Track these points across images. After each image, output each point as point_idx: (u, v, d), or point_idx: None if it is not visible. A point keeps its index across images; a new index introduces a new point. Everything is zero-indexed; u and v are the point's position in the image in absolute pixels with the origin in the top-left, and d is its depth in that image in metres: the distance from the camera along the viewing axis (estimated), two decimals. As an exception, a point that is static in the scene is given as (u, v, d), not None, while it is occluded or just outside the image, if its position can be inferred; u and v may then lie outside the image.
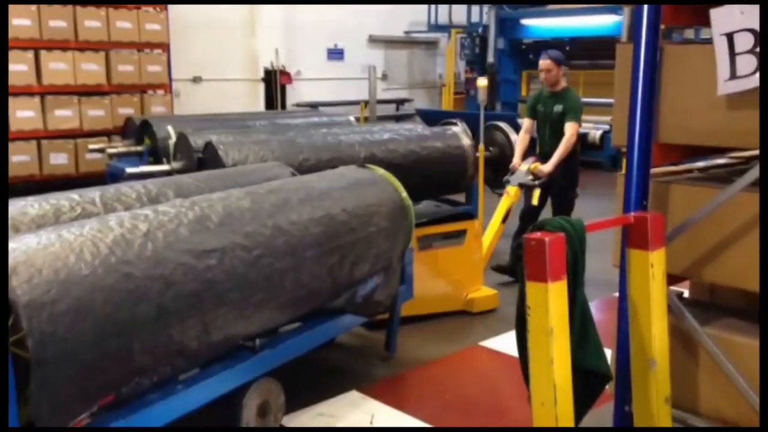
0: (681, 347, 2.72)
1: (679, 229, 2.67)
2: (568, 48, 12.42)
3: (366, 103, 12.51)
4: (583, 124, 11.34)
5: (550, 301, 2.23)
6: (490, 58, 12.85)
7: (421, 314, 4.85)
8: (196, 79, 12.07)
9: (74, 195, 3.26)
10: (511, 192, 5.59)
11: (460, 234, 5.16)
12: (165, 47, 9.70)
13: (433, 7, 14.06)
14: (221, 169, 4.46)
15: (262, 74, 12.65)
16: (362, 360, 4.44)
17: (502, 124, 6.62)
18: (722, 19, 2.47)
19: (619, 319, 2.70)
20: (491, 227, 5.57)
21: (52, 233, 2.52)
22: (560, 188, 5.59)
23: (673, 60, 2.67)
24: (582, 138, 11.38)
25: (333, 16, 13.49)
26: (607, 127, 11.39)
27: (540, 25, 12.59)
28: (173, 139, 6.34)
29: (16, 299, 2.18)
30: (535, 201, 5.44)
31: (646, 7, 2.59)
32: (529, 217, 5.61)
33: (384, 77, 14.33)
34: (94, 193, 3.33)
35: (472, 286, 5.21)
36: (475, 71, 13.43)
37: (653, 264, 2.52)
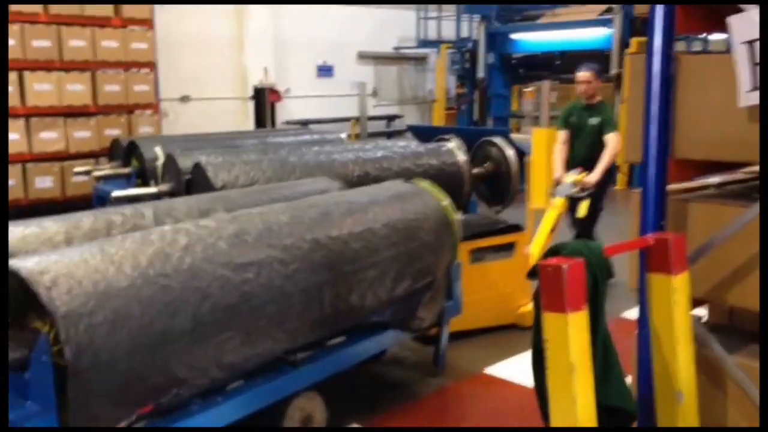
0: (706, 378, 2.54)
1: (701, 250, 2.50)
2: (558, 62, 12.37)
3: (357, 119, 12.37)
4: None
5: (570, 333, 2.05)
6: (481, 73, 12.77)
7: (472, 329, 4.77)
8: (185, 98, 11.90)
9: (127, 210, 3.44)
10: (558, 204, 5.45)
11: (510, 247, 5.12)
12: (152, 66, 9.52)
13: (422, 22, 13.98)
14: (270, 184, 4.56)
15: (251, 92, 12.50)
16: (413, 374, 4.38)
17: (497, 140, 6.45)
18: (742, 26, 2.32)
19: (640, 349, 2.53)
20: (538, 239, 5.40)
21: (95, 246, 2.62)
22: (592, 203, 5.50)
23: (689, 70, 2.52)
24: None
25: (322, 33, 13.39)
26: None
27: (530, 39, 12.53)
28: (161, 160, 6.17)
29: (55, 310, 2.25)
30: (583, 213, 5.36)
31: (659, 13, 2.43)
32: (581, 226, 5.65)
33: (374, 93, 14.22)
34: (147, 208, 3.49)
35: (522, 299, 5.14)
36: (466, 86, 13.35)
37: (676, 289, 2.36)
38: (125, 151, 7.01)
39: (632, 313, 4.51)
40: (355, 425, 3.65)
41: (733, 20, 2.34)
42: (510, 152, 6.32)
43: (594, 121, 5.61)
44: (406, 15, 14.15)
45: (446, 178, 5.68)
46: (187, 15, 11.70)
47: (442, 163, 5.90)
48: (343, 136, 7.79)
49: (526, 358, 3.77)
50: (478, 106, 12.82)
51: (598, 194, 5.56)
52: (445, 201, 3.97)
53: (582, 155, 5.69)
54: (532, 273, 2.21)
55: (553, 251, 2.18)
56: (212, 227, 2.94)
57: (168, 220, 3.36)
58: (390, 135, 13.90)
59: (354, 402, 3.87)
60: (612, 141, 5.51)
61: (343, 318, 3.32)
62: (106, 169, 7.00)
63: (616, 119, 5.72)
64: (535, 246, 5.37)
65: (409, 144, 6.21)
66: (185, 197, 3.93)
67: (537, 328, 2.20)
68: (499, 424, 3.69)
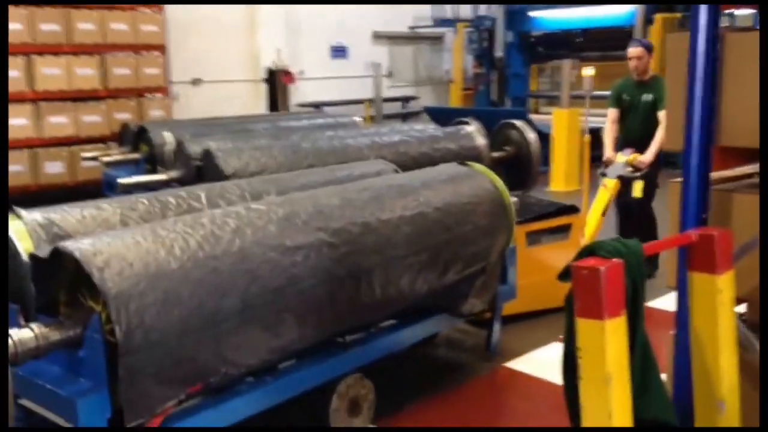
0: (748, 384, 2.34)
1: (748, 246, 2.30)
2: (579, 40, 12.03)
3: (371, 101, 12.14)
4: (598, 119, 11.04)
5: (607, 341, 1.86)
6: (499, 53, 12.47)
7: (527, 311, 4.70)
8: (196, 81, 11.72)
9: (182, 192, 3.53)
10: (610, 185, 5.36)
11: (566, 228, 5.04)
12: (162, 49, 9.35)
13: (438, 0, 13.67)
14: (324, 167, 4.54)
15: (263, 74, 12.30)
16: (465, 357, 4.32)
17: (518, 122, 6.22)
18: (798, 0, 2.09)
19: (677, 354, 2.34)
20: (590, 221, 5.35)
21: (147, 229, 2.67)
22: (648, 182, 5.36)
23: (736, 50, 2.30)
24: (597, 132, 11.02)
25: (335, 13, 13.12)
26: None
27: (549, 16, 12.18)
28: (171, 145, 6.01)
29: (106, 291, 2.30)
30: (638, 193, 5.24)
31: (704, -14, 2.20)
32: (629, 210, 5.54)
33: (389, 74, 13.95)
34: (201, 190, 3.56)
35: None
36: (484, 66, 13.05)
37: (722, 289, 2.16)
38: (135, 136, 6.88)
39: (661, 303, 4.33)
40: (400, 412, 3.54)
41: (787, -7, 2.11)
42: (531, 135, 6.10)
43: (647, 97, 5.44)
44: (421, -7, 13.84)
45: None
46: (197, -5, 11.50)
47: (460, 147, 5.70)
48: (357, 119, 7.58)
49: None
50: (497, 86, 12.53)
51: (653, 172, 5.40)
52: (500, 184, 3.91)
53: (636, 133, 5.50)
54: (564, 274, 2.02)
55: (588, 251, 1.98)
56: (262, 210, 2.95)
57: (221, 202, 3.42)
58: (405, 117, 13.66)
59: (403, 385, 3.81)
60: (666, 118, 5.32)
61: (393, 302, 3.29)
62: (115, 154, 6.86)
63: None
64: (588, 228, 5.33)
65: (426, 127, 6.02)
66: (238, 180, 3.99)
67: (569, 335, 2.01)
68: (542, 409, 3.58)
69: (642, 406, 1.97)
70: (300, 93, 12.89)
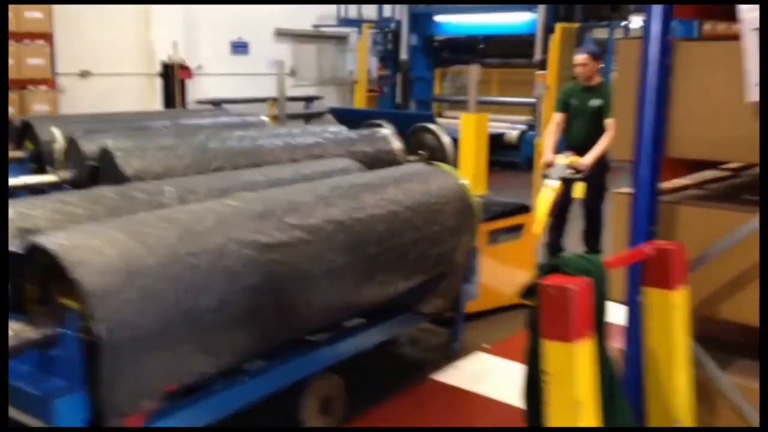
0: (701, 403, 2.30)
1: (698, 261, 2.25)
2: (482, 46, 12.21)
3: (275, 100, 11.78)
4: (500, 124, 11.23)
5: (577, 365, 1.74)
6: (404, 55, 12.43)
7: (488, 309, 4.78)
8: (84, 74, 10.96)
9: (148, 186, 3.50)
10: (554, 186, 5.44)
11: (519, 228, 5.17)
12: (48, 37, 8.66)
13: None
14: (290, 164, 4.52)
15: (158, 68, 11.68)
16: (429, 355, 4.33)
17: (433, 126, 6.15)
18: (753, 11, 2.05)
19: (628, 371, 2.26)
20: (538, 221, 5.38)
21: (122, 224, 2.61)
22: (596, 184, 5.50)
23: (689, 59, 2.25)
24: (498, 138, 11.21)
25: (236, 8, 12.67)
26: (524, 127, 11.22)
27: (453, 21, 12.28)
28: (60, 143, 5.50)
29: (85, 287, 2.23)
30: (579, 194, 5.40)
31: (659, -6, 2.14)
32: (565, 212, 5.71)
33: (292, 73, 13.64)
34: (168, 185, 3.52)
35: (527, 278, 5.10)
36: (388, 68, 12.99)
37: (677, 305, 2.10)
38: (18, 132, 6.25)
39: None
40: (370, 410, 3.54)
41: (743, 6, 2.08)
42: (446, 139, 6.06)
43: (595, 102, 5.52)
44: (326, -8, 13.61)
45: (381, 167, 5.34)
46: (87, -18, 10.75)
47: (377, 150, 5.54)
48: (265, 118, 7.27)
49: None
50: (401, 89, 12.49)
51: (601, 176, 5.55)
52: (466, 184, 3.95)
53: (581, 138, 5.57)
54: (527, 292, 1.88)
55: (550, 267, 1.86)
56: (239, 206, 2.92)
57: (190, 197, 3.37)
58: (309, 117, 13.40)
59: (372, 383, 3.80)
60: (613, 125, 5.44)
61: (365, 300, 3.31)
62: (-5, 151, 6.19)
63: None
64: (536, 227, 5.40)
65: (339, 129, 5.81)
66: (205, 176, 3.99)
67: (532, 358, 1.88)
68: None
69: (611, 429, 1.87)
70: (198, 89, 12.35)
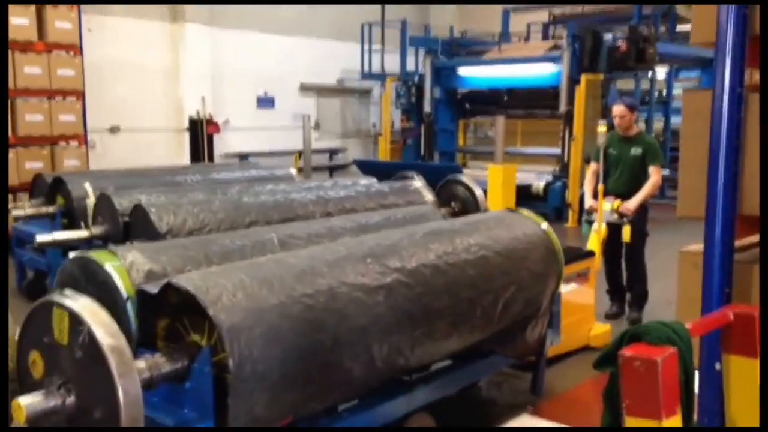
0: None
1: (781, 324, 2.09)
2: (506, 98, 12.21)
3: (300, 153, 11.83)
4: (526, 175, 11.15)
5: (666, 445, 1.58)
6: (427, 108, 12.48)
7: (560, 353, 4.82)
8: (114, 129, 11.11)
9: (247, 232, 3.85)
10: (602, 230, 5.62)
11: (586, 272, 5.26)
12: (79, 95, 8.77)
13: (366, 54, 13.66)
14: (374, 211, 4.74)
15: (186, 123, 11.81)
16: (511, 398, 4.34)
17: (464, 178, 6.07)
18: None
19: (709, 444, 2.09)
20: (594, 264, 5.53)
21: (246, 266, 2.84)
22: (637, 228, 5.70)
23: (757, 110, 2.14)
24: (525, 188, 11.11)
25: (262, 63, 12.87)
26: (549, 177, 11.11)
27: (476, 74, 12.34)
28: (91, 198, 5.48)
29: (220, 324, 2.38)
30: (627, 238, 5.61)
31: (728, 40, 2.04)
32: (618, 256, 5.91)
33: (316, 126, 13.73)
34: (269, 232, 3.74)
35: (592, 321, 5.38)
36: (411, 120, 13.03)
37: (761, 373, 1.93)
38: (49, 188, 6.27)
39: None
40: None
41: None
42: (479, 192, 5.97)
43: (636, 151, 5.74)
44: (350, 47, 13.79)
45: (416, 221, 5.25)
46: (118, 40, 10.98)
47: (408, 203, 5.45)
48: (293, 171, 7.25)
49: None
50: (425, 140, 12.50)
51: (642, 221, 5.78)
52: (550, 230, 4.04)
53: (623, 185, 5.75)
54: (602, 361, 1.74)
55: (631, 335, 1.72)
56: (345, 251, 3.10)
57: (290, 242, 3.58)
58: (333, 169, 13.42)
59: (460, 424, 3.90)
60: (656, 174, 5.71)
61: (459, 340, 3.38)
62: (26, 207, 6.20)
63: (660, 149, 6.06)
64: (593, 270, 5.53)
65: (371, 182, 5.75)
66: (298, 223, 4.29)
67: (611, 434, 1.72)
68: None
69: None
70: (224, 143, 12.46)
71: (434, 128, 12.53)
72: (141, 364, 2.36)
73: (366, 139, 14.88)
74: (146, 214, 4.45)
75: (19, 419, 2.13)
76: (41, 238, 4.81)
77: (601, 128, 5.85)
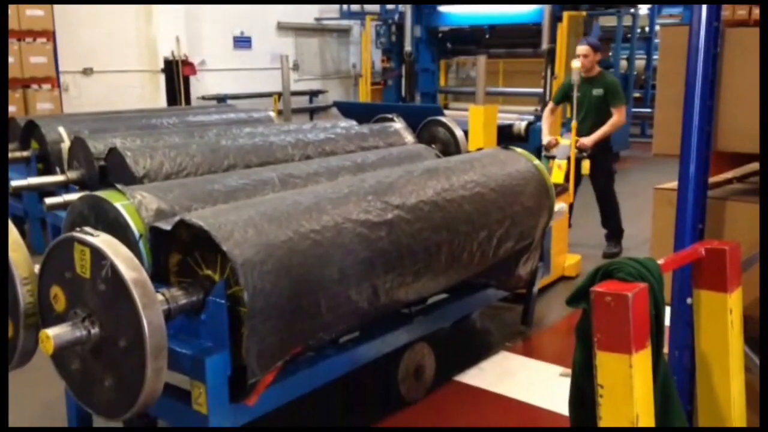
0: (749, 407, 2.19)
1: (751, 260, 2.13)
2: (487, 36, 12.03)
3: (279, 95, 11.66)
4: (507, 115, 11.08)
5: (635, 377, 1.63)
6: (408, 47, 12.27)
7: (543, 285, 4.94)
8: (87, 71, 10.84)
9: (247, 172, 3.93)
10: (563, 164, 5.80)
11: (562, 206, 5.44)
12: (50, 35, 8.51)
13: (345, -8, 13.34)
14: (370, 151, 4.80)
15: (161, 65, 11.55)
16: (505, 329, 4.51)
17: (445, 119, 6.02)
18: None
19: (677, 377, 2.15)
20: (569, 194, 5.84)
21: (255, 204, 2.94)
22: (604, 168, 5.98)
23: (737, 47, 2.12)
24: (507, 129, 11.05)
25: (238, 2, 12.52)
26: (531, 117, 11.06)
27: (457, 12, 12.11)
28: (66, 142, 5.39)
29: (235, 258, 2.49)
30: (586, 171, 5.81)
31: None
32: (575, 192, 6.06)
33: (295, 67, 13.49)
34: (269, 172, 3.83)
35: (566, 252, 5.64)
36: (392, 61, 12.83)
37: (732, 309, 1.98)
38: (22, 132, 6.15)
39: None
40: (458, 379, 3.80)
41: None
42: (459, 133, 5.92)
43: (598, 92, 5.85)
44: (328, -16, 13.45)
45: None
46: (87, -22, 10.60)
47: (389, 145, 5.41)
48: (272, 114, 7.15)
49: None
50: (405, 81, 12.33)
51: (607, 159, 6.06)
52: (542, 167, 4.17)
53: (586, 126, 5.89)
54: (575, 298, 1.77)
55: (604, 273, 1.74)
56: (349, 189, 3.19)
57: (291, 180, 3.66)
58: (314, 111, 13.27)
59: (456, 354, 4.04)
60: (619, 114, 5.86)
61: (456, 275, 3.52)
62: None
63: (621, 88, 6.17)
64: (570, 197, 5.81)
65: (351, 125, 5.68)
66: (298, 162, 4.36)
67: (583, 369, 1.77)
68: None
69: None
70: (201, 85, 12.22)
71: (415, 68, 12.34)
72: (160, 297, 2.43)
73: (346, 81, 14.67)
74: (122, 158, 4.38)
75: (47, 350, 2.20)
76: (17, 183, 4.74)
77: (575, 64, 5.81)
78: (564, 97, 6.24)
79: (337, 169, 3.98)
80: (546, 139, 6.14)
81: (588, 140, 5.80)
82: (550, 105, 6.43)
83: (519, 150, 4.29)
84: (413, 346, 3.52)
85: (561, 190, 5.45)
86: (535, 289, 4.35)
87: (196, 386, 2.51)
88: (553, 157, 5.94)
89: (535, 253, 4.15)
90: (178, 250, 2.80)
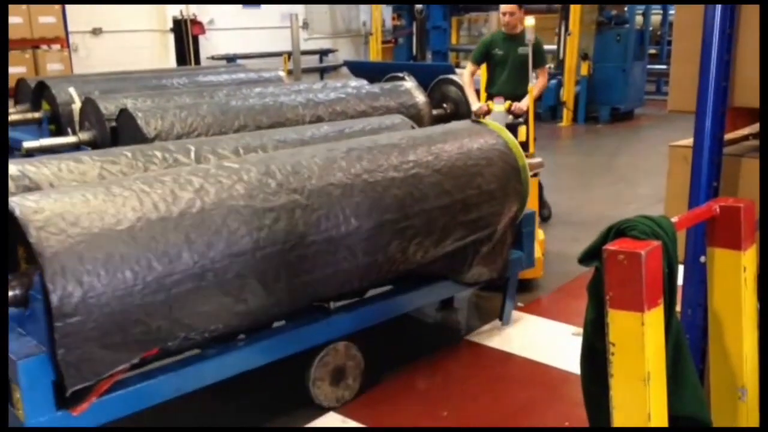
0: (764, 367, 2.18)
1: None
2: (500, -8, 11.79)
3: (289, 55, 11.55)
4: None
5: (647, 335, 1.62)
6: (418, 4, 12.08)
7: None
8: (96, 31, 10.76)
9: (171, 145, 3.43)
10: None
11: None
12: (58, -6, 8.46)
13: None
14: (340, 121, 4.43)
15: (170, 24, 11.44)
16: (476, 323, 4.09)
17: (457, 78, 5.96)
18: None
19: (689, 335, 2.14)
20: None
21: (102, 186, 2.56)
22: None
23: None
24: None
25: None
26: (544, 75, 10.90)
27: (470, -33, 11.89)
28: (77, 103, 5.38)
29: (42, 251, 2.21)
30: (522, 137, 5.13)
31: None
32: None
33: (305, 26, 13.33)
34: (191, 144, 3.46)
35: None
36: (403, 18, 12.66)
37: (746, 267, 1.96)
38: (34, 93, 6.14)
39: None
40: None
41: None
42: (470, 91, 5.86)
43: (523, 50, 5.38)
44: (337, -60, 13.19)
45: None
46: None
47: (400, 104, 5.39)
48: (282, 74, 7.09)
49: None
50: (416, 39, 12.18)
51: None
52: (515, 145, 3.70)
53: (510, 86, 5.54)
54: (586, 257, 1.76)
55: (617, 231, 1.73)
56: (233, 168, 2.81)
57: (211, 157, 3.31)
58: (324, 71, 13.15)
59: (393, 350, 3.69)
60: (544, 75, 5.63)
61: (380, 269, 3.10)
62: (12, 113, 6.09)
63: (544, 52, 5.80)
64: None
65: (361, 84, 5.64)
66: (241, 134, 3.94)
67: (594, 327, 1.77)
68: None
69: (677, 402, 1.77)
70: (210, 45, 12.11)
71: (426, 26, 12.19)
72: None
73: (357, 39, 14.49)
74: (133, 119, 4.39)
75: None
76: (28, 144, 4.75)
77: (529, 22, 5.16)
78: (484, 56, 5.73)
79: (281, 144, 3.61)
80: (476, 105, 5.49)
81: (524, 104, 5.28)
82: (470, 67, 5.78)
83: (493, 125, 3.83)
84: (333, 346, 3.10)
85: None
86: (512, 282, 3.87)
87: (14, 389, 2.29)
88: None
89: (503, 243, 3.61)
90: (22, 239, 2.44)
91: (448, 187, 3.30)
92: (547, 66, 5.61)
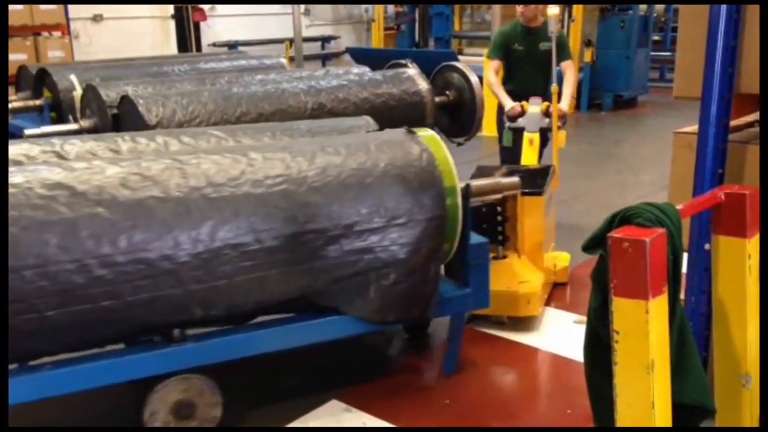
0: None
1: (772, 206, 2.10)
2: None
3: (291, 41, 11.50)
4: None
5: (651, 323, 1.62)
6: (421, -9, 12.03)
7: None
8: (97, 18, 10.70)
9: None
10: (535, 139, 4.73)
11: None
12: (59, -20, 8.41)
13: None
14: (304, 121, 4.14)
15: (171, 11, 11.38)
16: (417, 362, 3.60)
17: (459, 65, 5.91)
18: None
19: (693, 323, 2.14)
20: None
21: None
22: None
23: (764, -15, 2.04)
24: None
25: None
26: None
27: (473, -47, 11.80)
28: (78, 91, 5.36)
29: None
30: (563, 143, 4.80)
31: None
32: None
33: (307, 12, 13.24)
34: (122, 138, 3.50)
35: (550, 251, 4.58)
36: (405, 5, 12.60)
37: (750, 255, 1.96)
38: (35, 80, 6.12)
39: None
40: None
41: None
42: (474, 79, 5.80)
43: (545, 46, 5.00)
44: (339, -75, 13.09)
45: (406, 109, 5.17)
46: None
47: (402, 92, 5.34)
48: (284, 60, 7.06)
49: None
50: (419, 26, 12.11)
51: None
52: (444, 161, 3.09)
53: (535, 83, 5.11)
54: (591, 245, 1.76)
55: (621, 218, 1.72)
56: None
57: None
58: (326, 58, 13.08)
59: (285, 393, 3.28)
60: (572, 69, 5.08)
61: (218, 301, 2.73)
62: (13, 101, 6.07)
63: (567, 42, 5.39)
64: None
65: (364, 71, 5.60)
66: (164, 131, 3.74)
67: (598, 315, 1.76)
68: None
69: (681, 389, 1.77)
70: (211, 32, 12.05)
71: (429, 13, 12.13)
72: None
73: (359, 26, 14.40)
74: (134, 106, 4.37)
75: None
76: (30, 131, 4.72)
77: (553, 10, 4.68)
78: (505, 51, 5.22)
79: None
80: (509, 104, 4.99)
81: (564, 104, 4.79)
82: (495, 63, 5.25)
83: (427, 138, 3.23)
84: (178, 378, 2.74)
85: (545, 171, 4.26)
86: (457, 326, 3.32)
87: None
88: (520, 130, 4.86)
89: (422, 280, 2.94)
90: None
91: (323, 208, 2.82)
92: (572, 59, 5.09)
